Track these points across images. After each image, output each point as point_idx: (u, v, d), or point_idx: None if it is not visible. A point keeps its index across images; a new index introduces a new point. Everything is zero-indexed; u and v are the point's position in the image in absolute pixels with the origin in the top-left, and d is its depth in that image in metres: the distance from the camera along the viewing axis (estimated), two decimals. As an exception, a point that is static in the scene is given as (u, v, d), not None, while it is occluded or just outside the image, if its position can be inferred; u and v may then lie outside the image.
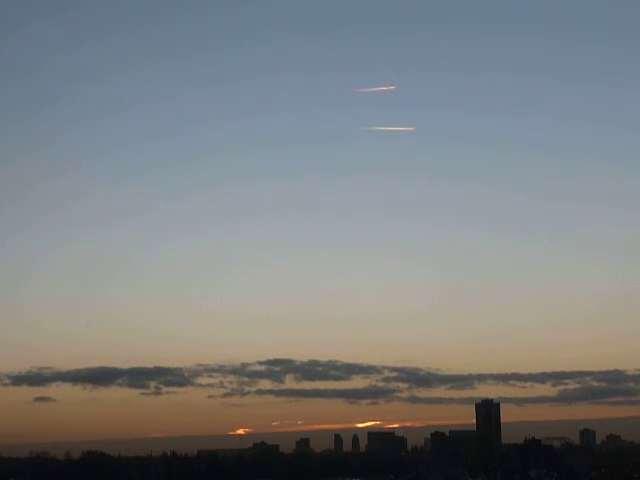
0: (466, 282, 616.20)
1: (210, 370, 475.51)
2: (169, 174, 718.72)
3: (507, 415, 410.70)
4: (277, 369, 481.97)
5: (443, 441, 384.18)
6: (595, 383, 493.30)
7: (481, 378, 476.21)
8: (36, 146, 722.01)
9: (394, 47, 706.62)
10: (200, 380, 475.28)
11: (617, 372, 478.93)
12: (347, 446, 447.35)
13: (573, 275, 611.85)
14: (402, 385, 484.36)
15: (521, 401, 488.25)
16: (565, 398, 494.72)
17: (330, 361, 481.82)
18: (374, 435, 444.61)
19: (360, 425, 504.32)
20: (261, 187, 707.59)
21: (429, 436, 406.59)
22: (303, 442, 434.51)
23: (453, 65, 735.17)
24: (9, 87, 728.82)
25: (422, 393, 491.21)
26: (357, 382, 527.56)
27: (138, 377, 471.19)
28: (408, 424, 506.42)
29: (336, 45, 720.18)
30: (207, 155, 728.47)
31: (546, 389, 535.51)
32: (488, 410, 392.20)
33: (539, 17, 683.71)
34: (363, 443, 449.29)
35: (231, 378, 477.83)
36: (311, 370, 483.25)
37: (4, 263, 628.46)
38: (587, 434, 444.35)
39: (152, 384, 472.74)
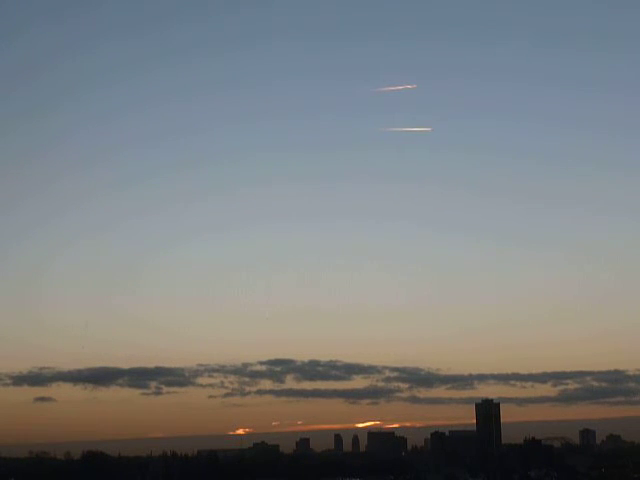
0: (467, 282, 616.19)
1: (211, 370, 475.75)
2: (177, 178, 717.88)
3: (507, 415, 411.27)
4: (278, 369, 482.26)
5: (443, 441, 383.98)
6: (595, 383, 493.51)
7: (482, 378, 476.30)
8: (46, 147, 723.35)
9: (413, 51, 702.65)
10: (201, 380, 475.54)
11: (617, 372, 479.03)
12: (347, 446, 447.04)
13: (574, 275, 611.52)
14: (402, 385, 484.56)
15: (521, 401, 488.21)
16: (565, 398, 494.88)
17: (331, 361, 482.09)
18: (374, 435, 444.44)
19: (360, 425, 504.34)
20: (266, 191, 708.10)
21: (429, 436, 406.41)
22: (303, 442, 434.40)
23: (471, 70, 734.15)
24: (19, 90, 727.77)
25: (422, 393, 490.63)
26: (358, 382, 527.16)
27: (139, 377, 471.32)
28: (408, 424, 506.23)
29: (352, 48, 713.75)
30: (215, 159, 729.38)
31: (546, 389, 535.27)
32: (488, 410, 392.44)
33: (559, 28, 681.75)
34: (363, 443, 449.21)
35: (232, 378, 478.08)
36: (312, 370, 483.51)
37: (8, 264, 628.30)
38: (587, 434, 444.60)
39: (153, 384, 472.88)
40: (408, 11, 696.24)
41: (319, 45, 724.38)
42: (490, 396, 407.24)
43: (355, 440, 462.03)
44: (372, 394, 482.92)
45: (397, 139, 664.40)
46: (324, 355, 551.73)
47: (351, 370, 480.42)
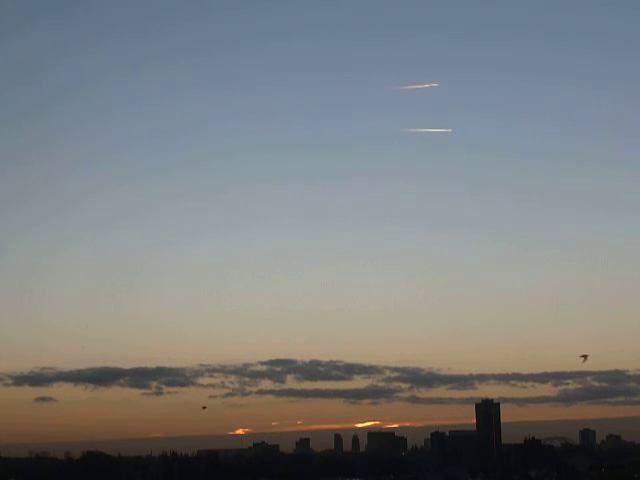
0: (468, 283, 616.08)
1: (212, 370, 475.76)
2: (179, 177, 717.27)
3: (507, 415, 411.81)
4: (279, 369, 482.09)
5: (443, 441, 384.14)
6: (596, 383, 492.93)
7: (482, 378, 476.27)
8: (46, 147, 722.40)
9: (435, 50, 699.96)
10: (202, 380, 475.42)
11: (618, 372, 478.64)
12: (347, 446, 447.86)
13: (574, 275, 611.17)
14: (403, 385, 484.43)
15: (522, 401, 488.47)
16: (566, 398, 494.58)
17: (332, 361, 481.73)
18: (374, 435, 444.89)
19: (360, 425, 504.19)
20: (268, 190, 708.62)
21: (429, 436, 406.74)
22: (303, 442, 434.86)
23: (495, 71, 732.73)
24: (19, 89, 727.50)
25: (423, 393, 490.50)
26: (358, 382, 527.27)
27: (140, 377, 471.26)
28: (408, 424, 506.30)
29: (372, 47, 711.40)
30: (217, 158, 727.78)
31: (547, 389, 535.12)
32: (488, 410, 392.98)
33: (583, 29, 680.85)
34: (363, 443, 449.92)
35: (232, 378, 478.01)
36: (312, 370, 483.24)
37: (9, 264, 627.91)
38: (587, 434, 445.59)
39: (154, 384, 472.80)
40: (430, 9, 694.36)
41: (339, 43, 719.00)
42: (490, 396, 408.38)
43: (355, 440, 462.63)
44: (373, 394, 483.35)
45: (416, 140, 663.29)
46: (325, 355, 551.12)
47: (352, 370, 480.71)
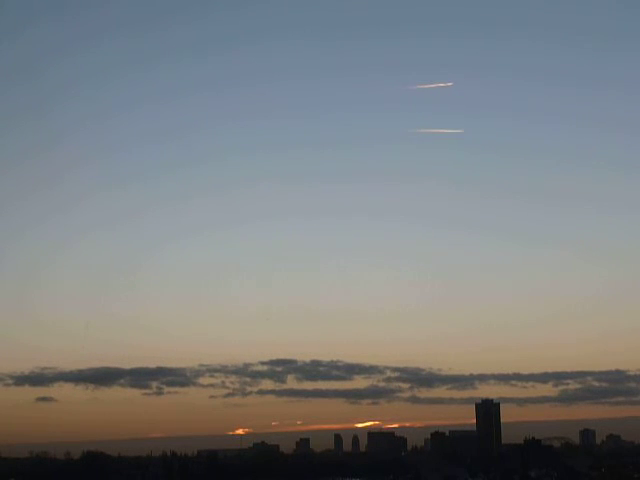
0: (468, 282, 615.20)
1: (212, 370, 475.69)
2: (179, 176, 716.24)
3: (507, 415, 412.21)
4: (279, 369, 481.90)
5: (443, 441, 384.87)
6: (596, 383, 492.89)
7: (482, 378, 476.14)
8: (44, 147, 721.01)
9: (447, 50, 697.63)
10: (202, 380, 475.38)
11: (618, 372, 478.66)
12: (347, 446, 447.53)
13: (575, 274, 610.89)
14: (403, 385, 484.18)
15: (522, 401, 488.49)
16: (566, 398, 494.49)
17: (332, 361, 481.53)
18: (374, 435, 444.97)
19: (360, 425, 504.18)
20: (268, 189, 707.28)
21: (429, 436, 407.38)
22: (303, 442, 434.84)
23: (506, 72, 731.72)
24: (18, 89, 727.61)
25: (423, 393, 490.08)
26: (359, 382, 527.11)
27: (140, 377, 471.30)
28: (408, 424, 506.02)
29: (375, 47, 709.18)
30: (219, 157, 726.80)
31: (547, 389, 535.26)
32: (488, 410, 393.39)
33: (596, 30, 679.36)
34: (363, 443, 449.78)
35: (233, 378, 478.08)
36: (313, 370, 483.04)
37: (8, 264, 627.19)
38: (587, 434, 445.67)
39: (154, 384, 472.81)
40: (442, 8, 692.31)
41: (348, 42, 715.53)
42: (491, 396, 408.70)
43: (355, 440, 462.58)
44: (373, 394, 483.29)
45: (426, 140, 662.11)
46: (325, 355, 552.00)
47: (352, 370, 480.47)
